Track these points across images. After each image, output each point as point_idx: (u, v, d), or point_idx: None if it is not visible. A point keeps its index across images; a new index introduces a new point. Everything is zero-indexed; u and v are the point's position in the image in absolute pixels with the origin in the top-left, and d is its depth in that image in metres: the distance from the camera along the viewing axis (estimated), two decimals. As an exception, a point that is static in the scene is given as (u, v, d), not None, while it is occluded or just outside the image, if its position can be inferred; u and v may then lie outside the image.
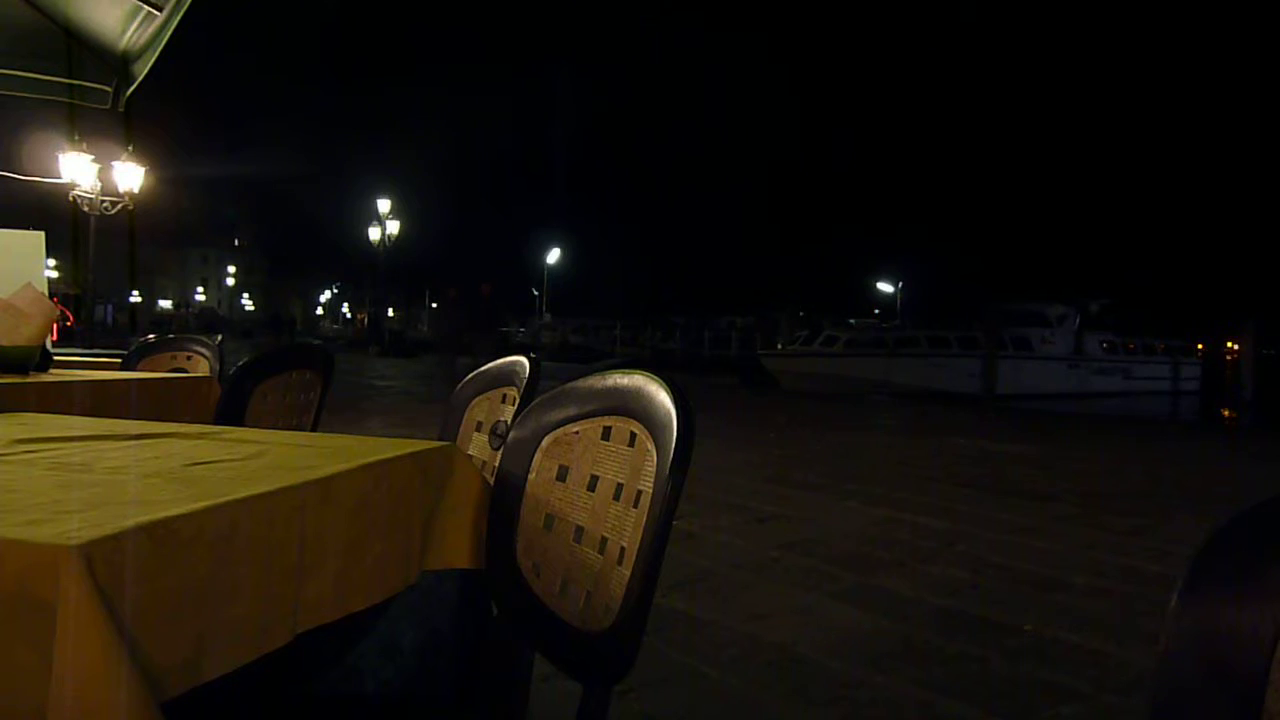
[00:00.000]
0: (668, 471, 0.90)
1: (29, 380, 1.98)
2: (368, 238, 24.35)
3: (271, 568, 0.81)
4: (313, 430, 2.30)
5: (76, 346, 8.05)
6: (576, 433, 1.10)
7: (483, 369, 1.71)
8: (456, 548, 1.09)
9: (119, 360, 3.02)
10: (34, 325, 2.11)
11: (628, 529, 0.95)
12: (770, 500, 4.61)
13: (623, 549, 0.95)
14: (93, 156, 8.40)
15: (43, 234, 2.47)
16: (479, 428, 1.65)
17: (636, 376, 1.02)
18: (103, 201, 8.68)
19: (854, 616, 2.77)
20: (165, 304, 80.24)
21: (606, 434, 1.05)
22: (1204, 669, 0.45)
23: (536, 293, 51.54)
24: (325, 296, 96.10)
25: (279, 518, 0.83)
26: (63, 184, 8.18)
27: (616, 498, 0.99)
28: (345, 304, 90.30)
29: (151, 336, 3.11)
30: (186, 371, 2.81)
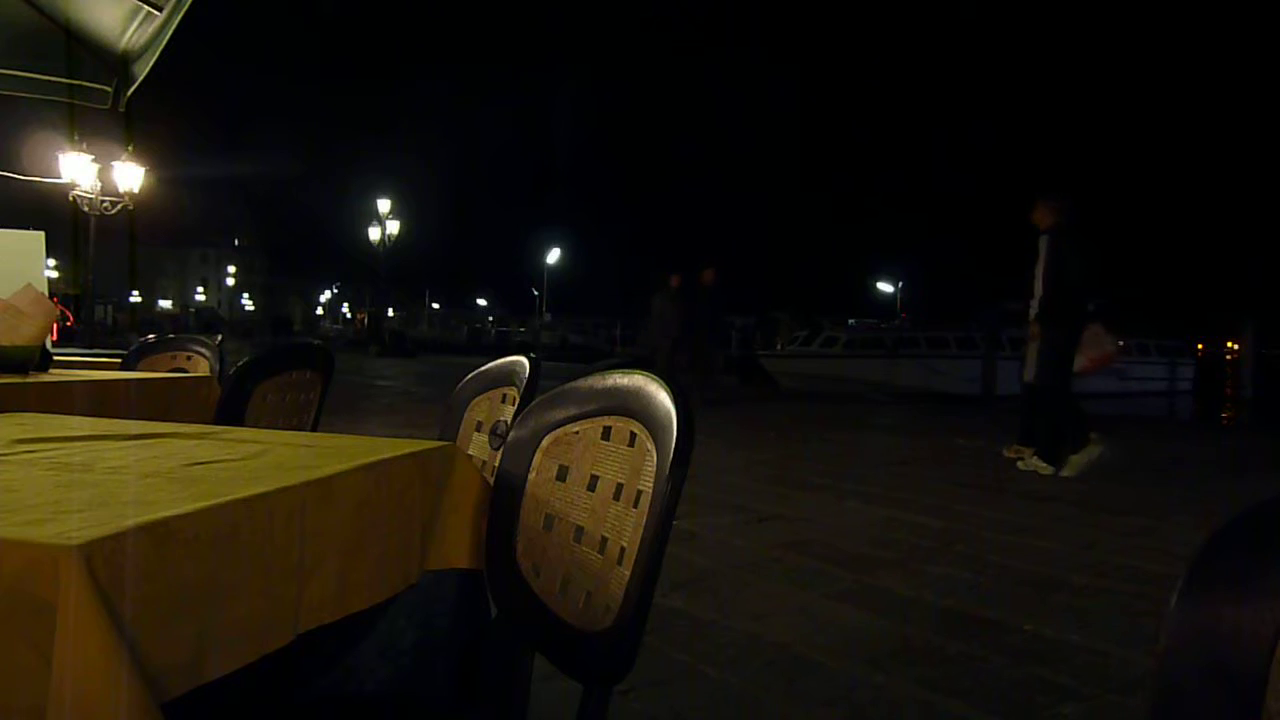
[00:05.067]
0: (668, 471, 0.90)
1: (29, 380, 1.98)
2: (368, 238, 24.35)
3: (272, 568, 0.81)
4: (313, 430, 2.31)
5: (76, 346, 8.05)
6: (576, 433, 1.10)
7: (482, 369, 1.71)
8: (456, 548, 1.09)
9: (119, 360, 3.02)
10: (34, 325, 2.12)
11: (628, 529, 0.95)
12: (770, 500, 4.61)
13: (623, 549, 0.95)
14: (93, 156, 8.40)
15: (43, 234, 2.48)
16: (479, 428, 1.65)
17: (636, 376, 1.02)
18: (103, 201, 8.67)
19: (854, 616, 2.76)
20: (165, 304, 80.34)
21: (606, 434, 1.05)
22: (1204, 669, 0.45)
23: (536, 293, 51.57)
24: (325, 296, 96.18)
25: (279, 518, 0.83)
26: (63, 184, 8.17)
27: (616, 498, 0.99)
28: (345, 304, 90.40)
29: (151, 336, 3.11)
30: (186, 371, 2.81)
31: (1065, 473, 5.57)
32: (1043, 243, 5.66)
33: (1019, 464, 5.81)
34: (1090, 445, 5.58)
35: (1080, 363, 5.72)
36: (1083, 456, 5.57)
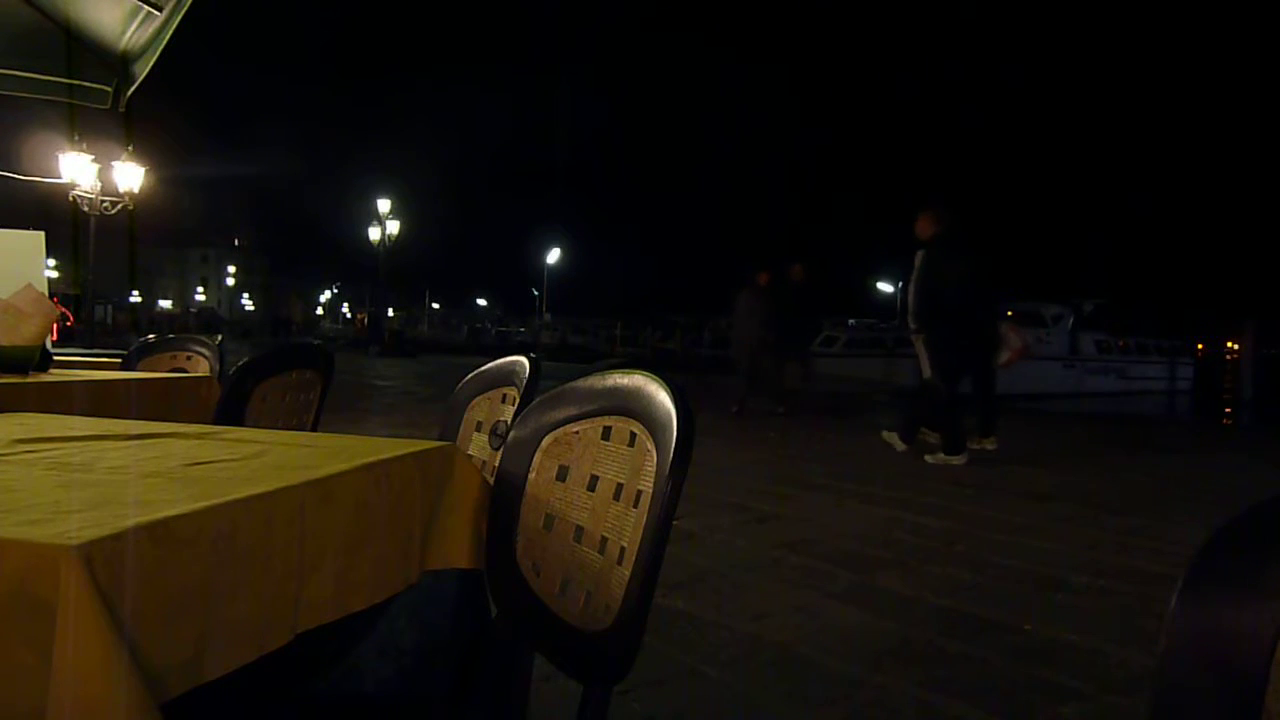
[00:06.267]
0: (668, 471, 0.90)
1: (29, 380, 1.98)
2: (368, 238, 24.34)
3: (271, 568, 0.81)
4: (313, 430, 2.30)
5: (76, 346, 8.05)
6: (576, 433, 1.10)
7: (482, 369, 1.71)
8: (456, 548, 1.09)
9: (119, 360, 3.02)
10: (34, 325, 2.11)
11: (628, 529, 0.95)
12: (770, 500, 4.61)
13: (623, 549, 0.95)
14: (93, 156, 8.39)
15: (43, 234, 2.48)
16: (479, 428, 1.65)
17: (636, 376, 1.02)
18: (103, 201, 8.67)
19: (854, 616, 2.76)
20: (165, 304, 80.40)
21: (606, 434, 1.05)
22: (1204, 669, 0.45)
23: (536, 293, 51.61)
24: (325, 296, 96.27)
25: (279, 518, 0.83)
26: (63, 184, 8.17)
27: (616, 497, 0.99)
28: (345, 304, 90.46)
29: (151, 336, 3.11)
30: (186, 371, 2.81)
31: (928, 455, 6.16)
32: (921, 253, 6.16)
33: (926, 457, 6.12)
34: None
35: (1002, 358, 6.44)
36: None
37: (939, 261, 6.07)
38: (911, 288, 6.24)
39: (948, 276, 6.00)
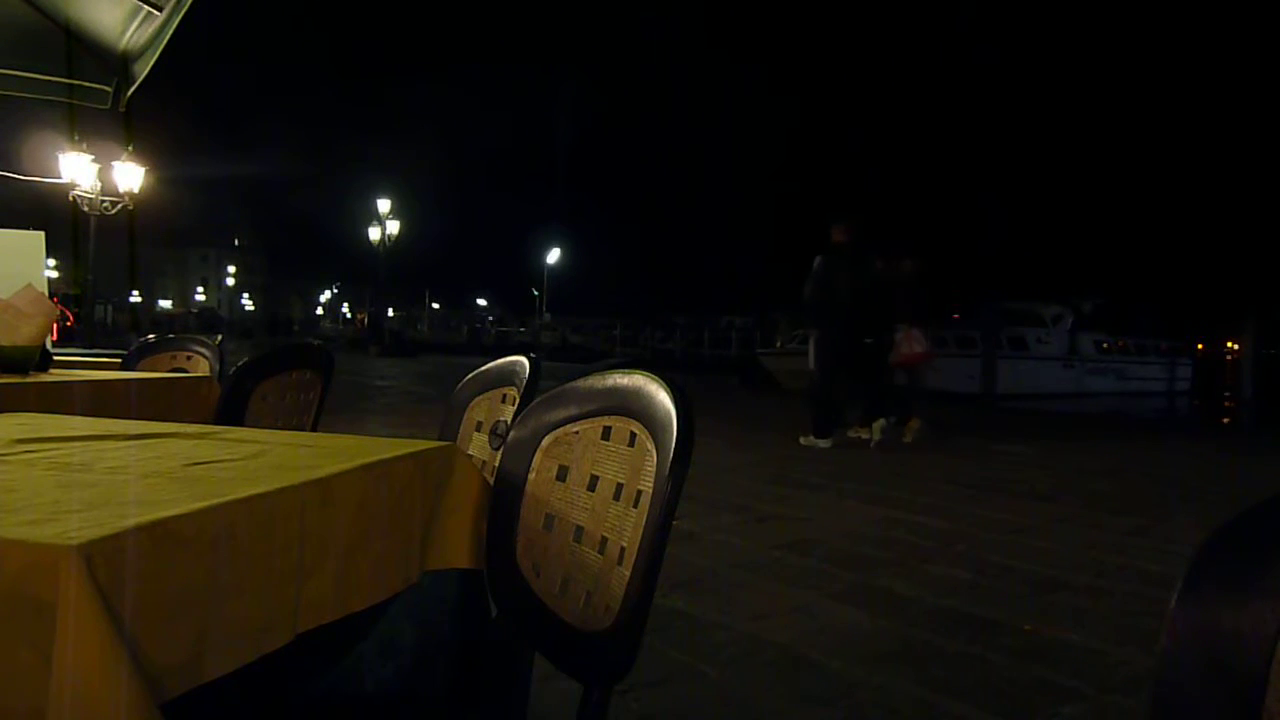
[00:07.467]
0: (668, 471, 0.90)
1: (29, 380, 1.98)
2: (368, 238, 24.35)
3: (272, 568, 0.81)
4: (313, 430, 2.31)
5: (76, 346, 8.05)
6: (576, 433, 1.10)
7: (482, 369, 1.71)
8: (456, 548, 1.09)
9: (119, 360, 3.02)
10: (34, 325, 2.12)
11: (628, 529, 0.95)
12: (770, 500, 4.61)
13: (623, 549, 0.95)
14: (93, 156, 8.38)
15: (43, 234, 2.48)
16: (479, 428, 1.65)
17: (636, 376, 1.02)
18: (103, 201, 8.66)
19: (854, 616, 2.76)
20: (165, 304, 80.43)
21: (606, 434, 1.05)
22: (1204, 669, 0.45)
23: (536, 293, 51.61)
24: (325, 296, 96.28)
25: (279, 518, 0.83)
26: (63, 184, 8.16)
27: (616, 498, 0.99)
28: (345, 304, 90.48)
29: (151, 336, 3.11)
30: (186, 371, 2.81)
31: (875, 437, 6.91)
32: (819, 259, 6.79)
33: (801, 439, 6.97)
34: (912, 423, 7.06)
35: (894, 357, 7.04)
36: (906, 434, 7.01)
37: (833, 269, 6.70)
38: (806, 290, 6.80)
39: (839, 283, 6.66)
